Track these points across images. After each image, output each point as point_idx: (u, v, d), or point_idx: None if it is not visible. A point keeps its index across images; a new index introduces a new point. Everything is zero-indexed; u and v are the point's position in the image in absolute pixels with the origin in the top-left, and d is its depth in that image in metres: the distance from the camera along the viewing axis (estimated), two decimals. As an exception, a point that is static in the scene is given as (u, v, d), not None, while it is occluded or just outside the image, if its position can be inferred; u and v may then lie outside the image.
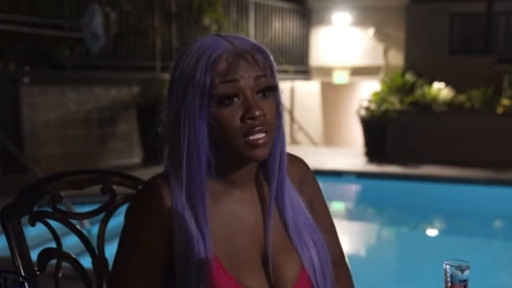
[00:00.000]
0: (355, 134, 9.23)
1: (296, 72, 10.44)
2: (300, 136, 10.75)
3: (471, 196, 6.68)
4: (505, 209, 6.24)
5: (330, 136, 10.90)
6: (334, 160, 8.02)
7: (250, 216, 1.10)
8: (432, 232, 6.04)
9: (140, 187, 1.32)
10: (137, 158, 7.61)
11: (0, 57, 6.46)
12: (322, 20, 10.66)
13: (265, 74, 1.04)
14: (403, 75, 8.99)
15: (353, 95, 10.13)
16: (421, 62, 9.40)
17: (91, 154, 7.21)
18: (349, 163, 7.85)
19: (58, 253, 1.30)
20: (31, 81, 6.52)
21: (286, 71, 9.82)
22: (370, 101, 8.50)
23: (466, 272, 0.96)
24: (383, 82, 9.14)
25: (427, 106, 8.38)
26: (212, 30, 8.29)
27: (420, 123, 8.39)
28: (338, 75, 10.54)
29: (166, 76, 6.33)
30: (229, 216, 1.08)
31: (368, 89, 9.40)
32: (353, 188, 7.57)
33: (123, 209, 1.19)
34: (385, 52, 10.32)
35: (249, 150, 1.02)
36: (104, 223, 1.35)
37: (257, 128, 1.02)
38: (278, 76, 1.08)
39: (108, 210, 1.35)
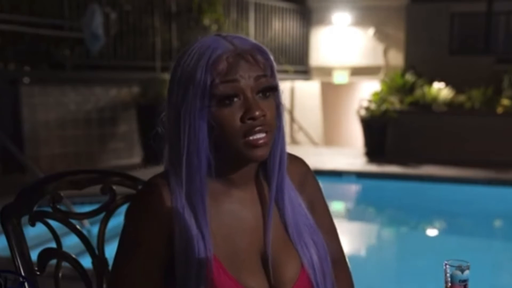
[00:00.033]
0: (355, 134, 9.23)
1: (296, 72, 10.44)
2: (300, 136, 10.75)
3: (471, 196, 6.68)
4: (505, 209, 6.24)
5: (330, 136, 10.90)
6: (334, 160, 8.02)
7: (250, 216, 1.10)
8: (432, 232, 6.04)
9: (140, 187, 1.32)
10: (137, 158, 7.61)
11: (0, 57, 6.46)
12: (322, 20, 10.66)
13: (265, 74, 1.04)
14: (403, 75, 8.99)
15: (353, 95, 10.13)
16: (421, 62, 9.40)
17: (91, 154, 7.21)
18: (349, 163, 7.85)
19: (58, 253, 1.30)
20: (31, 81, 6.52)
21: (286, 71, 9.82)
22: (370, 101, 8.51)
23: (466, 272, 0.96)
24: (383, 82, 9.14)
25: (427, 106, 8.38)
26: (212, 30, 8.29)
27: (420, 123, 8.39)
28: (338, 75, 10.54)
29: (166, 76, 6.32)
30: (229, 216, 1.08)
31: (368, 89, 9.40)
32: (353, 188, 7.57)
33: (123, 209, 1.19)
34: (385, 52, 10.32)
35: (249, 150, 1.02)
36: (104, 223, 1.35)
37: (257, 128, 1.02)
38: (278, 76, 1.08)
39: (108, 210, 1.35)
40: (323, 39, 10.76)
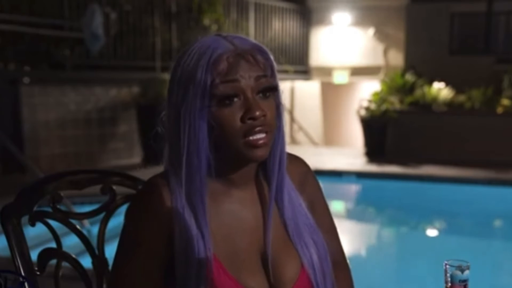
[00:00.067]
0: (355, 134, 9.23)
1: (296, 72, 10.44)
2: (300, 136, 10.75)
3: (471, 196, 6.68)
4: (505, 209, 6.24)
5: (330, 136, 10.90)
6: (334, 160, 8.02)
7: (250, 216, 1.10)
8: (432, 232, 6.03)
9: (140, 187, 1.32)
10: (137, 158, 7.61)
11: (0, 57, 6.46)
12: (322, 20, 10.66)
13: (265, 75, 1.04)
14: (403, 75, 8.99)
15: (353, 95, 10.13)
16: (421, 62, 9.40)
17: (91, 154, 7.21)
18: (349, 163, 7.85)
19: (58, 253, 1.30)
20: (31, 81, 6.52)
21: (286, 71, 9.82)
22: (370, 101, 8.51)
23: (466, 272, 0.96)
24: (383, 82, 9.14)
25: (427, 106, 8.38)
26: (212, 30, 8.29)
27: (420, 123, 8.39)
28: (338, 75, 10.54)
29: (166, 76, 6.32)
30: (229, 216, 1.08)
31: (368, 89, 9.40)
32: (353, 188, 7.57)
33: (123, 209, 1.19)
34: (385, 52, 10.32)
35: (249, 150, 1.02)
36: (104, 223, 1.35)
37: (257, 129, 1.02)
38: (278, 76, 1.08)
39: (108, 210, 1.35)
40: (323, 39, 10.76)
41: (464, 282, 0.96)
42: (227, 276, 1.03)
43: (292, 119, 10.57)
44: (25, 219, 1.25)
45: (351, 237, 5.36)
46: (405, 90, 8.68)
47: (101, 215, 1.36)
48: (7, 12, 6.46)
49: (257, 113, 1.01)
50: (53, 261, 1.30)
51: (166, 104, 1.08)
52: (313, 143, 10.61)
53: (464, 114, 8.23)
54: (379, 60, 10.33)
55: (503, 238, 5.68)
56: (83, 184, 1.35)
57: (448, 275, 0.96)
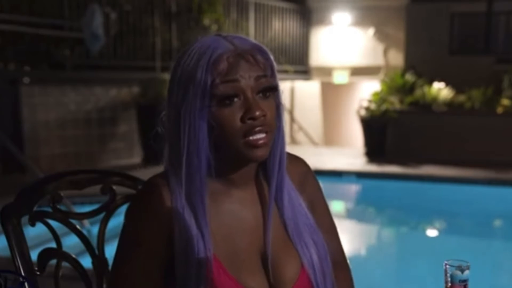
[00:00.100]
0: (355, 134, 9.23)
1: (296, 72, 10.44)
2: (300, 136, 10.75)
3: (471, 196, 6.68)
4: (505, 209, 6.24)
5: (330, 136, 10.90)
6: (334, 160, 8.02)
7: (250, 216, 1.10)
8: (432, 232, 6.03)
9: (140, 187, 1.32)
10: (137, 158, 7.61)
11: (0, 57, 6.46)
12: (322, 20, 10.66)
13: (265, 75, 1.04)
14: (403, 75, 8.99)
15: (353, 95, 10.13)
16: (421, 62, 9.40)
17: (91, 154, 7.21)
18: (349, 163, 7.85)
19: (58, 253, 1.30)
20: (31, 81, 6.52)
21: (286, 71, 9.82)
22: (370, 101, 8.51)
23: (466, 272, 0.96)
24: (383, 82, 9.14)
25: (427, 106, 8.38)
26: (212, 30, 8.29)
27: (420, 123, 8.39)
28: (338, 75, 10.54)
29: (166, 76, 6.32)
30: (229, 216, 1.08)
31: (368, 89, 9.40)
32: (353, 188, 7.57)
33: (123, 209, 1.19)
34: (385, 52, 10.32)
35: (249, 150, 1.02)
36: (104, 223, 1.35)
37: (257, 129, 1.02)
38: (278, 76, 1.08)
39: (108, 210, 1.35)
40: (323, 39, 10.76)
41: (464, 282, 0.96)
42: (227, 276, 1.03)
43: (292, 119, 10.57)
44: (25, 219, 1.25)
45: (351, 237, 5.36)
46: (405, 90, 8.68)
47: (101, 215, 1.36)
48: (7, 12, 6.46)
49: (257, 113, 1.01)
50: (53, 261, 1.30)
51: (166, 104, 1.08)
52: (313, 143, 10.61)
53: (464, 114, 8.23)
54: (379, 60, 10.33)
55: (503, 238, 5.68)
56: (83, 184, 1.35)
57: (448, 275, 0.96)
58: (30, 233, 1.34)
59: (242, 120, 1.01)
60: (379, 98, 8.47)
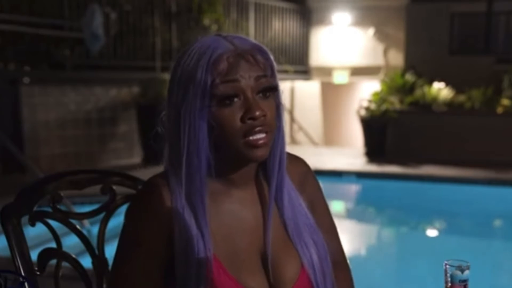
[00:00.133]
0: (355, 134, 9.23)
1: (296, 72, 10.44)
2: (300, 136, 10.75)
3: (471, 196, 6.68)
4: (505, 209, 6.24)
5: (330, 136, 10.90)
6: (334, 160, 8.02)
7: (250, 216, 1.10)
8: (432, 232, 6.03)
9: (140, 187, 1.32)
10: (137, 158, 7.61)
11: (0, 57, 6.46)
12: (322, 20, 10.66)
13: (265, 75, 1.04)
14: (403, 75, 8.99)
15: (353, 95, 10.13)
16: (421, 62, 9.40)
17: (91, 154, 7.21)
18: (349, 163, 7.85)
19: (58, 253, 1.30)
20: (31, 81, 6.52)
21: (286, 71, 9.82)
22: (370, 101, 8.51)
23: (466, 272, 0.96)
24: (383, 82, 9.14)
25: (427, 106, 8.38)
26: (212, 30, 8.29)
27: (420, 123, 8.39)
28: (338, 75, 10.54)
29: (166, 76, 6.32)
30: (229, 216, 1.08)
31: (368, 89, 9.40)
32: (353, 188, 7.57)
33: (123, 209, 1.19)
34: (385, 52, 10.32)
35: (249, 150, 1.02)
36: (104, 223, 1.35)
37: (257, 129, 1.02)
38: (278, 76, 1.08)
39: (108, 210, 1.35)
40: (323, 39, 10.76)
41: (464, 282, 0.96)
42: (227, 276, 1.03)
43: (292, 119, 10.57)
44: (25, 219, 1.25)
45: (351, 237, 5.36)
46: (405, 90, 8.68)
47: (101, 215, 1.36)
48: (7, 12, 6.46)
49: (257, 113, 1.01)
50: (53, 261, 1.30)
51: (166, 104, 1.08)
52: (313, 143, 10.61)
53: (464, 114, 8.23)
54: (379, 60, 10.33)
55: (503, 238, 5.68)
56: (83, 184, 1.35)
57: (448, 275, 0.96)
58: (30, 233, 1.33)
59: (242, 120, 1.01)
60: (379, 98, 8.48)
